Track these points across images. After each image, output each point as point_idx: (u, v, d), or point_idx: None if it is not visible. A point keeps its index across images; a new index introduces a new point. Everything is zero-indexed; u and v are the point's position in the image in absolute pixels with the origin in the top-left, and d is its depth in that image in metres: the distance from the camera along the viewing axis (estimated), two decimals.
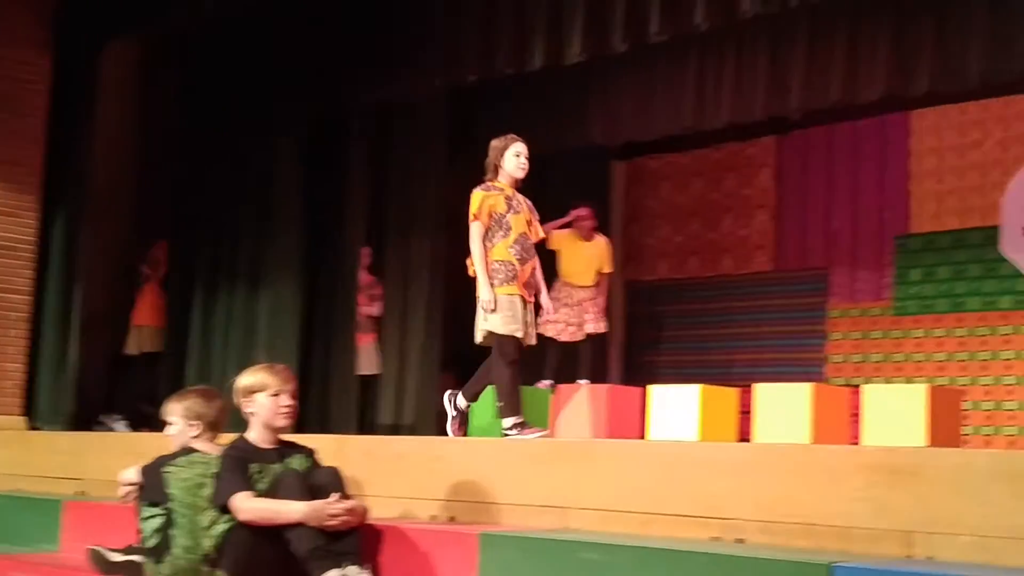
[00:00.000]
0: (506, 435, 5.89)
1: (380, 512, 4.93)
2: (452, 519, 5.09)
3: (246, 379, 4.63)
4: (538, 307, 6.31)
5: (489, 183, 6.22)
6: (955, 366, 9.28)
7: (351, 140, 9.15)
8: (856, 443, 5.93)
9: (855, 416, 6.16)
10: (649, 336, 10.88)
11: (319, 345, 8.92)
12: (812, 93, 8.18)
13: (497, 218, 6.12)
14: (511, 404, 5.95)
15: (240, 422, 4.75)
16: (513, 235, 6.11)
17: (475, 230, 6.11)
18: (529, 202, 6.36)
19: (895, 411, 5.77)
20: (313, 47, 8.79)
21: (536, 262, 6.28)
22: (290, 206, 8.87)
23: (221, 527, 4.42)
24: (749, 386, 5.89)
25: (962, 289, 9.34)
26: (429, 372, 9.17)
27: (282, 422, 4.61)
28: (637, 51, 7.97)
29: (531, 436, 5.86)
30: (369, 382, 9.24)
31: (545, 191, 10.76)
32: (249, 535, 4.34)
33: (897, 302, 9.66)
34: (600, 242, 9.29)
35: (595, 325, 9.12)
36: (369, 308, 9.32)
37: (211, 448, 4.90)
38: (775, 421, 5.92)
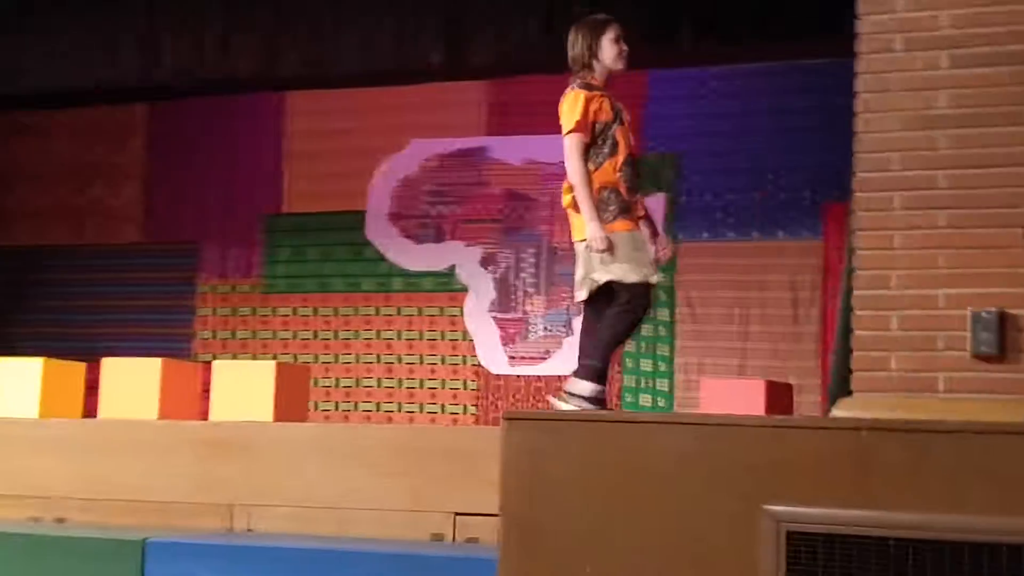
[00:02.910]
0: (569, 399, 4.23)
1: None
2: None
3: None
4: None
5: (585, 81, 4.70)
6: (319, 344, 9.57)
7: None
8: (206, 418, 5.94)
9: (207, 392, 6.17)
10: (7, 306, 10.20)
11: None
12: (186, 63, 8.08)
13: (601, 130, 4.66)
14: (603, 368, 4.46)
15: None
16: (622, 153, 4.69)
17: (574, 145, 4.59)
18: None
19: (243, 387, 5.82)
20: None
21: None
22: None
23: None
24: None
25: (329, 270, 9.64)
26: None
27: None
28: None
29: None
30: None
31: None
32: None
33: (266, 280, 9.79)
34: None
35: None
36: None
37: None
38: (123, 396, 5.77)
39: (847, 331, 4.44)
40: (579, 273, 4.71)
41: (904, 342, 4.29)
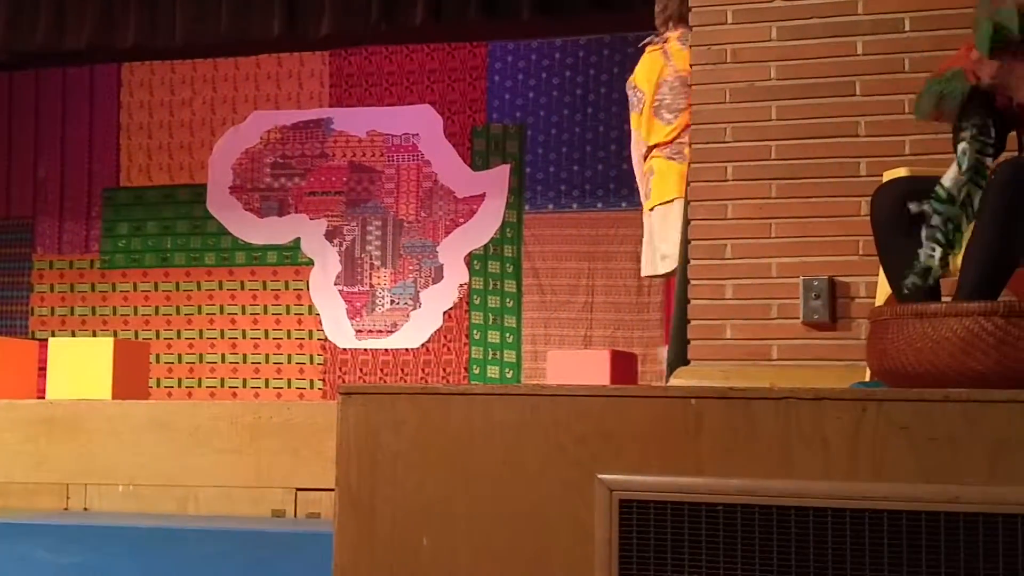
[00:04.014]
0: None
1: None
2: None
3: None
4: None
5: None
6: (161, 320, 9.42)
7: None
8: (43, 397, 5.81)
9: (44, 370, 6.03)
10: None
11: None
12: (17, 33, 7.85)
13: None
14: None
15: None
16: None
17: None
18: None
19: (81, 364, 5.72)
20: None
21: None
22: None
23: None
24: None
25: (169, 244, 9.49)
26: None
27: None
28: None
29: None
30: None
31: None
32: None
33: (105, 255, 9.59)
34: None
35: None
36: None
37: None
38: None
39: (684, 301, 4.56)
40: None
41: (739, 310, 4.41)
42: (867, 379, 3.34)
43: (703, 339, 4.43)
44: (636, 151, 5.27)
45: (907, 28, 4.29)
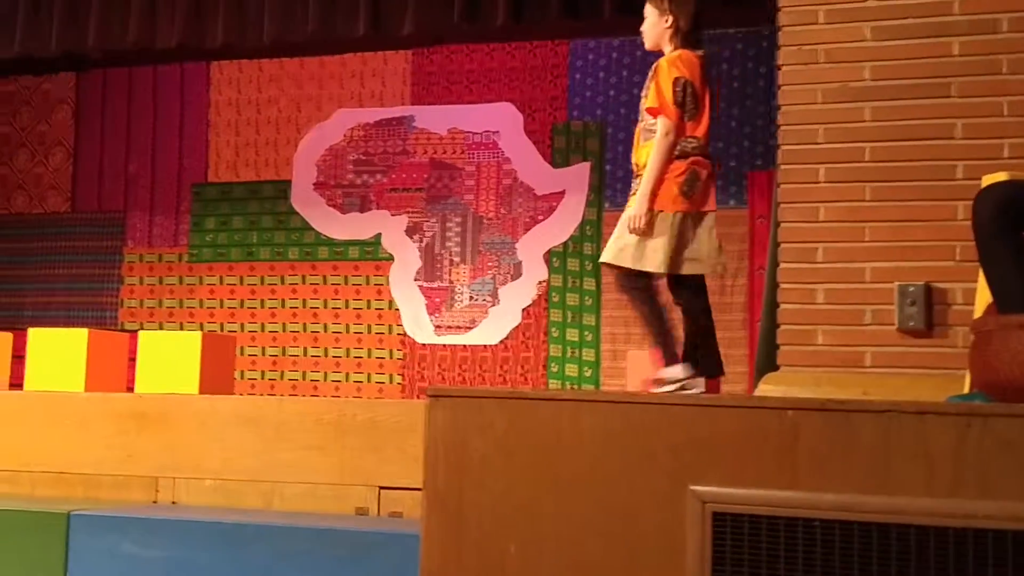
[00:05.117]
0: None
1: None
2: None
3: None
4: None
5: None
6: (246, 313, 9.54)
7: None
8: (132, 389, 5.90)
9: (133, 360, 6.12)
10: None
11: None
12: (109, 33, 7.98)
13: None
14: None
15: None
16: None
17: None
18: None
19: (170, 357, 5.80)
20: None
21: None
22: None
23: None
24: None
25: (255, 239, 9.62)
26: None
27: None
28: None
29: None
30: None
31: None
32: None
33: (192, 249, 9.75)
34: None
35: None
36: None
37: None
38: (49, 367, 5.72)
39: (773, 304, 4.48)
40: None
41: (831, 316, 4.28)
42: (966, 391, 3.24)
43: (793, 344, 4.31)
44: None
45: (1005, 29, 4.17)
